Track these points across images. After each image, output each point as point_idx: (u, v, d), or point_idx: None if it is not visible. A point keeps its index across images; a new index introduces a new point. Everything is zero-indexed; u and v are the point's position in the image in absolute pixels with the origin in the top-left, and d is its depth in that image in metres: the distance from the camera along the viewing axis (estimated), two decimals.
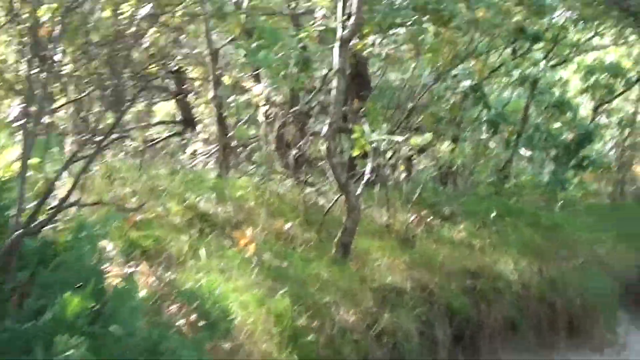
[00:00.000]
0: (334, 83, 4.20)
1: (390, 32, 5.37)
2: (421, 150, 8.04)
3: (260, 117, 5.05)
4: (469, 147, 7.90)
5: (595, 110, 9.91)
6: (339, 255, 4.48)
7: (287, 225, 4.88)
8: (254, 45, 4.77)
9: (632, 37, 9.07)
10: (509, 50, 7.78)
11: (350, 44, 5.16)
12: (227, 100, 5.31)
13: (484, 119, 6.51)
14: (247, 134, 5.30)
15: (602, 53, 10.90)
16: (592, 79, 9.73)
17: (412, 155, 8.02)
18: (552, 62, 8.22)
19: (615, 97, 10.22)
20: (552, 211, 7.02)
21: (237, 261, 3.95)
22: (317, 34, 4.83)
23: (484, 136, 6.60)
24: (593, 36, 9.86)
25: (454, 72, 6.67)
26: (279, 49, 4.46)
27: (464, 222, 5.93)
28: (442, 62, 5.75)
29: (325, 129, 4.15)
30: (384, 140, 4.87)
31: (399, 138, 4.73)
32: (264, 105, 4.73)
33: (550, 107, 6.19)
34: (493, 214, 6.13)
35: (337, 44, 4.17)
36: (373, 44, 5.47)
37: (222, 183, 5.04)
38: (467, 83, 6.69)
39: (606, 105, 10.33)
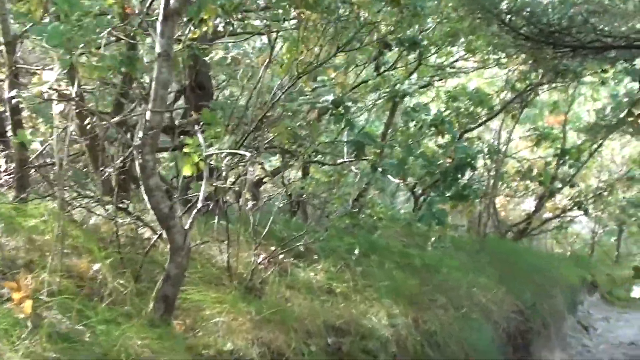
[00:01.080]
0: (155, 72, 3.21)
1: (238, 16, 4.47)
2: (274, 173, 7.33)
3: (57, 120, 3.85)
4: (323, 173, 7.30)
5: (460, 138, 9.78)
6: (158, 312, 3.43)
7: (94, 267, 3.74)
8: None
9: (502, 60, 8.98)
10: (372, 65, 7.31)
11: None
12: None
13: (346, 139, 5.81)
14: (28, 140, 4.05)
15: (465, 79, 10.95)
16: (454, 106, 9.59)
17: (261, 180, 7.24)
18: (415, 84, 7.84)
19: (478, 125, 10.22)
20: (422, 249, 6.52)
21: (5, 324, 2.81)
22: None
23: (345, 159, 5.88)
24: (456, 60, 9.75)
25: (313, 84, 5.99)
26: (80, 21, 3.35)
27: (322, 262, 5.14)
28: (300, 64, 4.95)
29: (138, 136, 3.13)
30: (223, 157, 3.94)
31: (244, 153, 3.82)
32: (57, 101, 3.57)
33: (425, 127, 5.65)
34: (356, 252, 5.42)
35: (159, 19, 3.20)
36: (215, 34, 4.53)
37: (10, 210, 3.80)
38: (328, 97, 5.98)
39: (468, 133, 10.28)
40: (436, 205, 5.04)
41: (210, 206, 4.11)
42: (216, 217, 4.56)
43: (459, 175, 5.22)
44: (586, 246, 17.31)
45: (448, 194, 5.29)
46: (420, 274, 5.65)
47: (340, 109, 5.97)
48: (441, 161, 5.47)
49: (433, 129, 5.74)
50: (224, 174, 4.16)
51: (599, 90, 12.68)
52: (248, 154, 3.78)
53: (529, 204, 16.86)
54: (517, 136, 15.39)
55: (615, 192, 13.44)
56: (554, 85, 11.01)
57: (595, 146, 12.38)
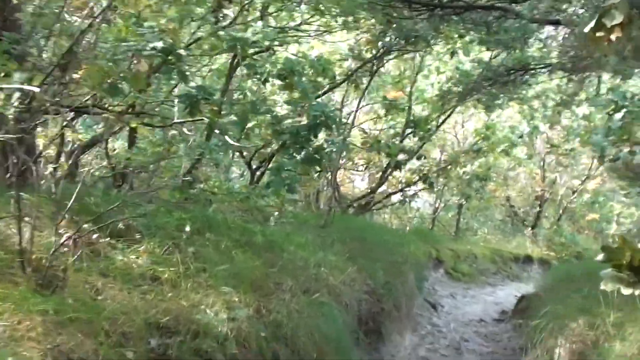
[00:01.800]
0: None
1: None
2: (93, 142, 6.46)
3: None
4: (150, 144, 6.50)
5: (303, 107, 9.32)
6: None
7: None
8: None
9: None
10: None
11: None
12: None
13: (178, 93, 5.04)
14: None
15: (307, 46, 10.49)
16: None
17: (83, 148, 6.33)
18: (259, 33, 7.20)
19: (321, 95, 9.81)
20: (264, 225, 5.94)
21: None
22: None
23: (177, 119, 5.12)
24: (300, 24, 9.17)
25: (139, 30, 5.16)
26: None
27: (146, 242, 4.38)
28: None
29: None
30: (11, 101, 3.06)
31: (32, 88, 2.96)
32: None
33: (272, 79, 5.01)
34: (188, 229, 4.71)
35: None
36: None
37: None
38: (157, 44, 5.16)
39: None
40: (286, 169, 4.44)
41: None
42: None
43: (312, 136, 4.66)
44: (425, 221, 17.84)
45: (299, 157, 4.71)
46: (264, 254, 5.06)
47: (171, 57, 5.20)
48: (291, 120, 4.88)
49: (281, 82, 5.11)
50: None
51: (447, 63, 12.85)
52: (37, 89, 2.90)
53: (364, 180, 17.08)
54: (363, 107, 15.48)
55: (460, 166, 13.79)
56: (402, 54, 10.98)
57: (443, 118, 12.57)
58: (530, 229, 18.59)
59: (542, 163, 18.17)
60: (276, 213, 6.08)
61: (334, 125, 5.16)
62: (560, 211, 19.10)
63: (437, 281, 11.52)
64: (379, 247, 7.58)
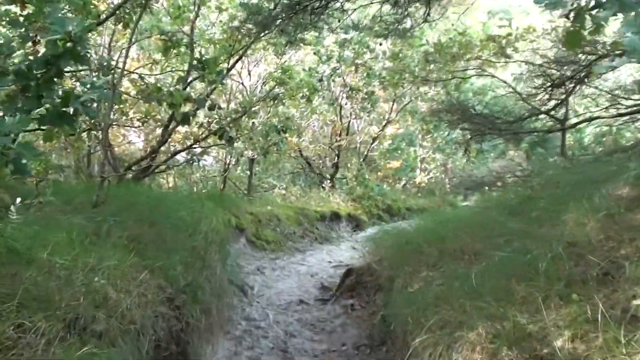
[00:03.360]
0: None
1: None
2: None
3: None
4: None
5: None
6: None
7: None
8: None
9: None
10: None
11: None
12: None
13: None
14: None
15: None
16: None
17: None
18: None
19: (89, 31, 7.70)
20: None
21: None
22: None
23: None
24: None
25: None
26: None
27: None
28: None
29: None
30: None
31: None
32: None
33: None
34: None
35: None
36: None
37: None
38: None
39: None
40: (7, 134, 2.57)
41: None
42: None
43: (55, 76, 2.80)
44: (213, 181, 16.30)
45: (36, 113, 2.82)
46: None
47: None
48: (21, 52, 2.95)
49: None
50: None
51: None
52: None
53: (142, 138, 15.04)
54: (137, 50, 13.34)
55: (254, 116, 12.34)
56: None
57: (235, 59, 10.95)
58: (329, 181, 17.92)
59: (339, 109, 17.48)
60: (19, 201, 4.12)
61: (90, 58, 3.36)
62: (361, 160, 18.66)
63: (241, 254, 10.08)
64: (174, 229, 5.88)
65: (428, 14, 8.27)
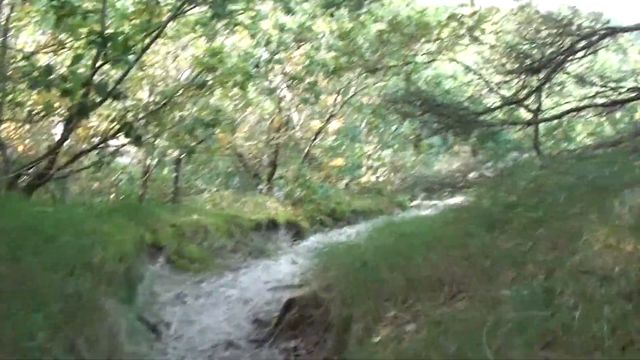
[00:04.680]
0: None
1: None
2: None
3: None
4: None
5: None
6: None
7: None
8: None
9: None
10: None
11: None
12: None
13: None
14: None
15: None
16: None
17: None
18: None
19: None
20: None
21: None
22: None
23: None
24: None
25: None
26: None
27: None
28: None
29: None
30: None
31: None
32: None
33: None
34: None
35: None
36: None
37: None
38: None
39: None
40: None
41: None
42: None
43: None
44: (134, 184, 14.57)
45: None
46: None
47: None
48: None
49: None
50: None
51: None
52: None
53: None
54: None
55: (178, 108, 10.77)
56: None
57: (149, 39, 9.31)
58: (266, 182, 16.50)
59: (278, 101, 16.05)
60: None
61: None
62: (302, 158, 17.25)
63: (157, 278, 8.52)
64: (47, 267, 4.33)
65: None
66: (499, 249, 4.32)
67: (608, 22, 9.28)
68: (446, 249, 4.87)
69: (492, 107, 10.55)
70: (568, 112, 10.78)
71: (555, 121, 13.07)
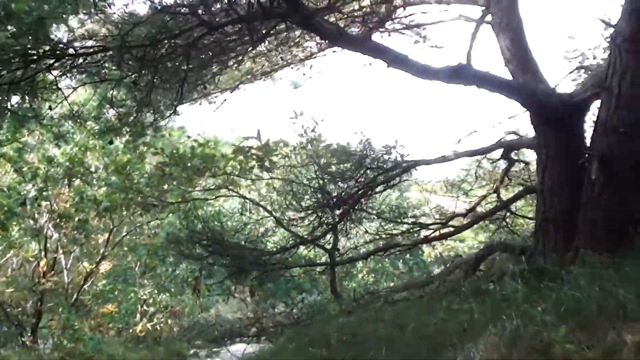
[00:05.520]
0: None
1: None
2: None
3: None
4: None
5: None
6: None
7: None
8: None
9: None
10: None
11: None
12: None
13: None
14: None
15: None
16: None
17: None
18: None
19: None
20: None
21: None
22: None
23: None
24: None
25: None
26: None
27: None
28: None
29: None
30: None
31: None
32: None
33: None
34: None
35: None
36: None
37: None
38: None
39: None
40: None
41: None
42: None
43: None
44: None
45: None
46: None
47: None
48: None
49: None
50: None
51: None
52: None
53: None
54: None
55: None
56: None
57: None
58: (30, 334, 15.11)
59: (45, 241, 15.07)
60: None
61: None
62: (71, 304, 16.11)
63: None
64: None
65: (178, 104, 7.00)
66: None
67: (408, 154, 9.58)
68: None
69: (287, 246, 10.54)
70: (371, 253, 10.98)
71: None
